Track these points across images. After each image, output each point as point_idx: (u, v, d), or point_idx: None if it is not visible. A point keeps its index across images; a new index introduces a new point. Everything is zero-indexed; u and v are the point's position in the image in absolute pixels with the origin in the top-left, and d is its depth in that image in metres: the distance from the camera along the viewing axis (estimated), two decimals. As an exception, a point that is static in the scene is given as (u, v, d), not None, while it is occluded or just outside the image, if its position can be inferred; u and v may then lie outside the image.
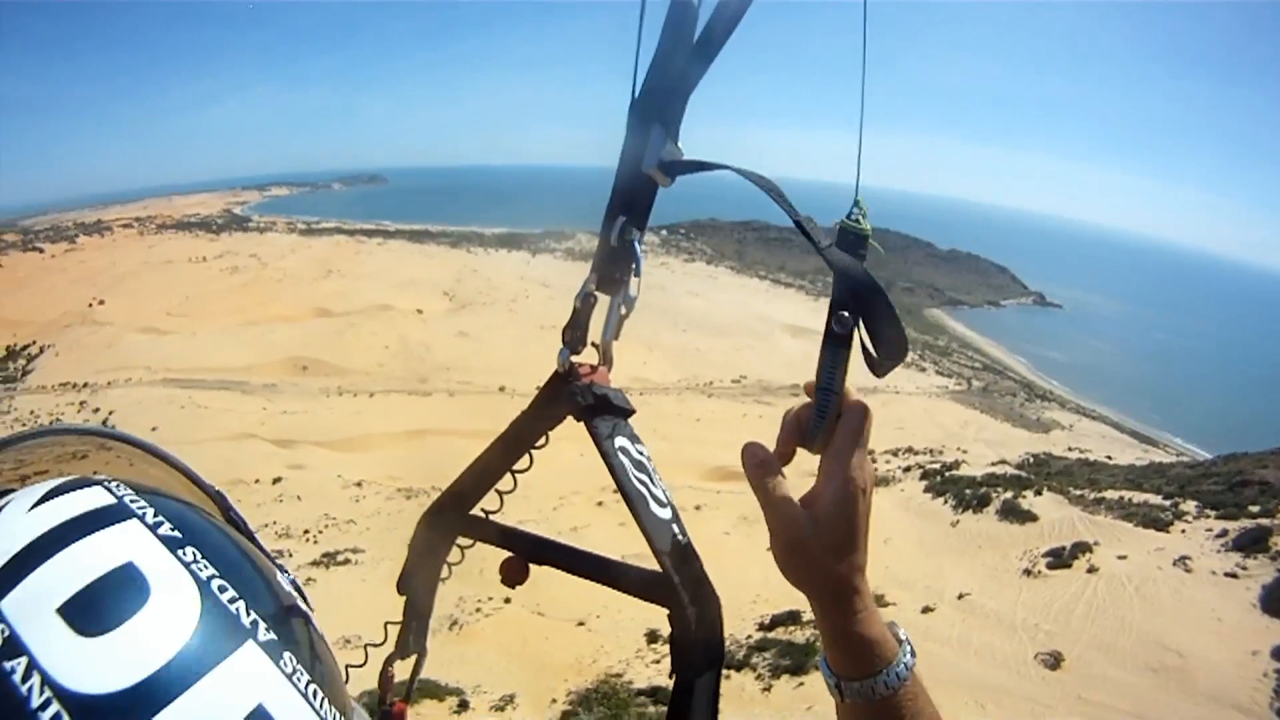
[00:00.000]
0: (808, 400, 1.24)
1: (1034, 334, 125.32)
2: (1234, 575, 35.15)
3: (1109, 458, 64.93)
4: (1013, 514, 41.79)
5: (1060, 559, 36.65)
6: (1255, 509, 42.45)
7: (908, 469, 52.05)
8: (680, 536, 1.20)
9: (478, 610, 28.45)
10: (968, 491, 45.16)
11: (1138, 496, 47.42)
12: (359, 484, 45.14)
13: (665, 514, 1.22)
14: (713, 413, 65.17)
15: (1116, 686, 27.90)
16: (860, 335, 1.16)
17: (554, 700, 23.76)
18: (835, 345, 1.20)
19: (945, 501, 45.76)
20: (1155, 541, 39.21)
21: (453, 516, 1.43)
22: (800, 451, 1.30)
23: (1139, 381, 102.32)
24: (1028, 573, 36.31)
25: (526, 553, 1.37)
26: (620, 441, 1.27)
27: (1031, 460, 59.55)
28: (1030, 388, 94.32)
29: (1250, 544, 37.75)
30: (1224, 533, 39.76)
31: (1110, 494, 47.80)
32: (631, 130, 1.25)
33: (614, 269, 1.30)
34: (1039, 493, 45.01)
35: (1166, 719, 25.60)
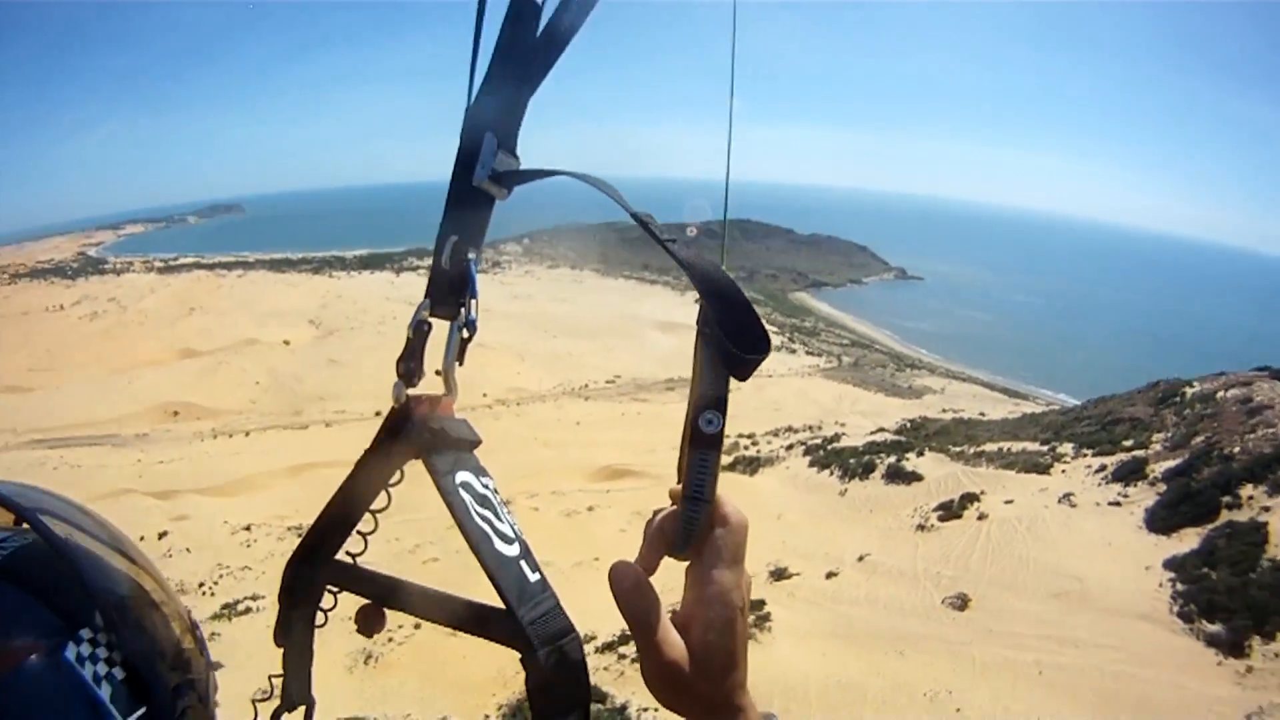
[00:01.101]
0: (671, 507, 1.25)
1: (898, 307, 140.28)
2: (1117, 504, 40.85)
3: (982, 414, 72.82)
4: (898, 476, 46.30)
5: (950, 511, 41.15)
6: (1129, 443, 49.23)
7: (790, 447, 56.11)
8: (530, 574, 1.25)
9: (390, 640, 29.46)
10: (852, 461, 49.27)
11: (1015, 446, 53.39)
12: (248, 528, 44.72)
13: (512, 550, 1.27)
14: (591, 414, 68.83)
15: (1024, 616, 31.85)
16: (716, 333, 1.19)
17: (487, 716, 25.22)
18: (703, 447, 1.24)
19: (831, 473, 49.64)
20: (1038, 484, 44.77)
21: (315, 563, 1.52)
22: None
23: (1003, 342, 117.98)
24: (921, 528, 40.68)
25: (382, 598, 1.44)
26: (462, 477, 1.34)
27: (909, 425, 64.96)
28: (899, 358, 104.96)
29: (1129, 474, 43.77)
30: (1103, 467, 45.77)
31: (989, 447, 53.49)
32: (462, 140, 1.33)
33: (449, 292, 1.38)
34: (920, 454, 50.08)
35: (1076, 637, 29.47)
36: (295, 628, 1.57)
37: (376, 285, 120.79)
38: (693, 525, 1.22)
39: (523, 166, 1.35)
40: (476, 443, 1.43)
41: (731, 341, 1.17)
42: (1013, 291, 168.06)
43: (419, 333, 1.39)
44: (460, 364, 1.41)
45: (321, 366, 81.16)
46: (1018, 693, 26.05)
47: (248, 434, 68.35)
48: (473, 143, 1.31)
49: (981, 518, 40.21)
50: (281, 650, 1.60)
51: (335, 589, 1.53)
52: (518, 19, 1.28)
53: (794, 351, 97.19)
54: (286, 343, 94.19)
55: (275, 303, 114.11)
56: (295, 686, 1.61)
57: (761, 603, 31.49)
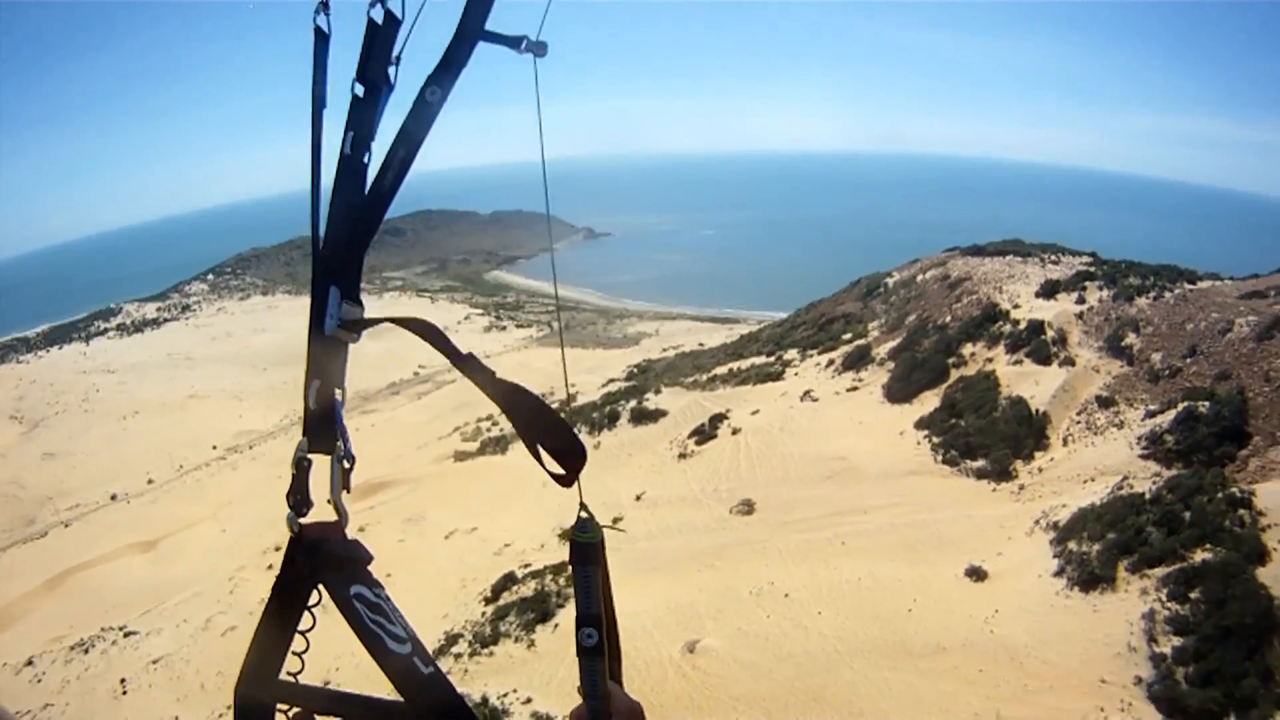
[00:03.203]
0: (578, 707, 1.60)
1: (594, 265, 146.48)
2: (855, 389, 44.76)
3: (701, 345, 77.58)
4: (644, 417, 48.03)
5: (705, 434, 43.32)
6: (848, 336, 54.07)
7: None
8: (423, 668, 1.44)
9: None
10: (595, 415, 50.40)
11: (744, 364, 57.28)
12: (29, 662, 37.52)
13: (404, 650, 1.46)
14: None
15: (808, 503, 34.09)
16: (541, 458, 1.56)
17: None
18: (590, 656, 1.59)
19: (579, 431, 50.05)
20: (777, 390, 48.25)
21: (260, 686, 1.65)
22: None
23: (701, 276, 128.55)
24: (683, 456, 42.45)
25: (326, 709, 1.62)
26: (355, 589, 1.54)
27: (637, 370, 67.62)
28: (606, 312, 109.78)
29: (857, 361, 47.96)
30: (831, 362, 49.91)
31: (719, 370, 56.87)
32: (314, 294, 1.54)
33: (321, 430, 1.58)
34: (658, 392, 52.27)
35: (862, 505, 31.93)
36: None
37: (68, 359, 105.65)
38: (597, 718, 1.59)
39: (365, 312, 1.61)
40: (368, 560, 1.62)
41: (553, 456, 1.57)
42: (698, 229, 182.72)
43: (300, 468, 1.58)
44: (348, 491, 1.63)
45: (38, 464, 70.47)
46: (831, 565, 27.95)
47: (-18, 561, 58.38)
48: (321, 295, 1.52)
49: (735, 432, 42.61)
50: None
51: (285, 707, 1.62)
52: (348, 173, 1.50)
53: (504, 329, 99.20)
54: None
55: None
56: None
57: (563, 566, 31.52)
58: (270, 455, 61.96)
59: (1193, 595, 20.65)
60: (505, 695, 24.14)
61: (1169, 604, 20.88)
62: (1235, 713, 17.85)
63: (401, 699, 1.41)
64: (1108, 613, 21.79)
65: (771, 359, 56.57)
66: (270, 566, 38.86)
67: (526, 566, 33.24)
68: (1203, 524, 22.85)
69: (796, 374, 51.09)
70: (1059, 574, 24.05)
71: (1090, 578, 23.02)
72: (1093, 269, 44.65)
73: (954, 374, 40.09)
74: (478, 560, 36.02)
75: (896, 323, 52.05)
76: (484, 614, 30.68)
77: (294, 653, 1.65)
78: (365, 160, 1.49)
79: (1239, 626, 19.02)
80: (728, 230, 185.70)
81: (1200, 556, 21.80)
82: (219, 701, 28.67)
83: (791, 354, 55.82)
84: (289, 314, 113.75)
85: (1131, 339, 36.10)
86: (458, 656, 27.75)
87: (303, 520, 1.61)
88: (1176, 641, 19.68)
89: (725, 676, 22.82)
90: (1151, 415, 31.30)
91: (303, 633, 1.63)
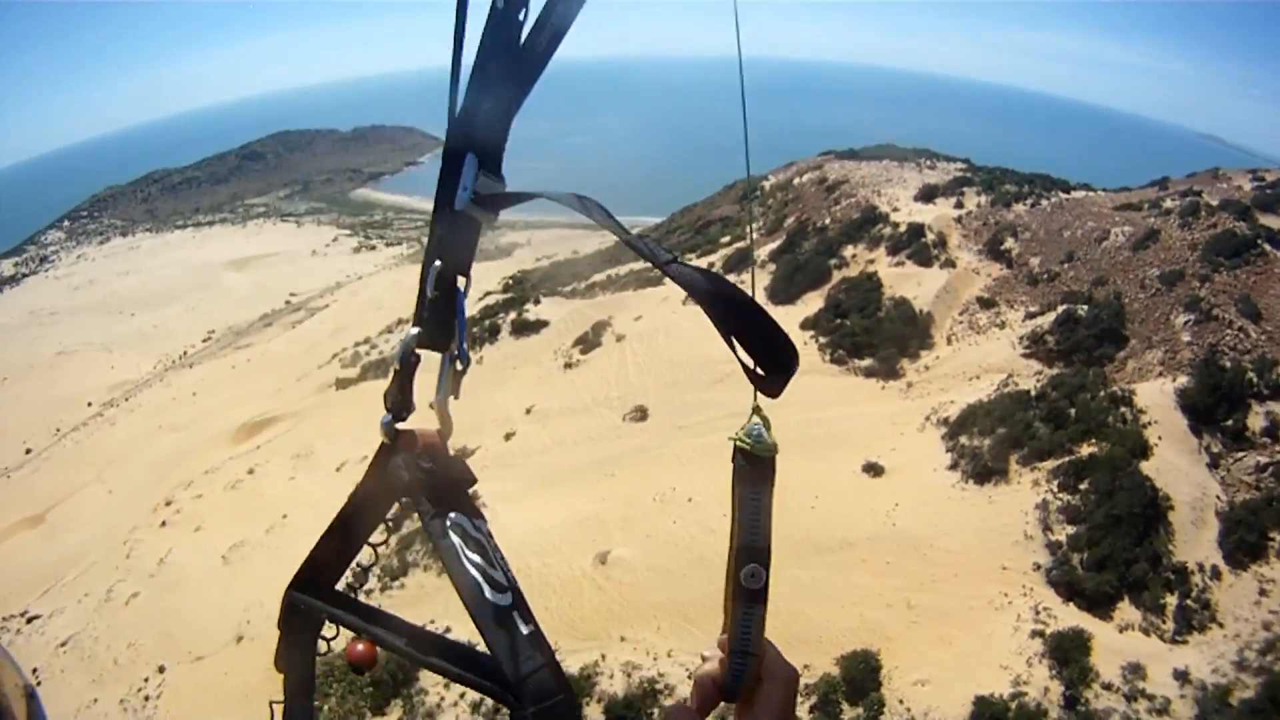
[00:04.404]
0: (718, 658, 1.34)
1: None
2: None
3: (576, 252, 76.60)
4: (525, 328, 47.41)
5: (589, 342, 43.12)
6: (726, 239, 54.31)
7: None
8: (523, 627, 1.25)
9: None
10: (475, 329, 49.10)
11: (621, 270, 57.03)
12: None
13: (504, 600, 1.26)
14: (204, 379, 62.51)
15: (699, 406, 34.49)
16: (737, 351, 1.25)
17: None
18: (749, 602, 1.30)
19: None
20: (658, 295, 48.29)
21: (314, 593, 1.57)
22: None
23: (572, 183, 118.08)
24: (569, 365, 42.15)
25: (374, 634, 1.47)
26: (454, 519, 1.34)
27: (512, 281, 66.50)
28: None
29: (737, 264, 48.30)
30: (711, 265, 49.94)
31: (597, 277, 56.63)
32: (444, 164, 1.36)
33: (437, 322, 1.39)
34: (536, 302, 51.48)
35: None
36: (295, 654, 1.63)
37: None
38: (739, 677, 1.29)
39: (506, 187, 1.39)
40: (471, 482, 1.42)
41: (758, 362, 1.25)
42: (569, 136, 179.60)
43: (407, 364, 1.39)
44: (455, 398, 1.43)
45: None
46: (729, 466, 28.24)
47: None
48: (454, 165, 1.34)
49: (620, 339, 42.59)
50: (283, 676, 1.65)
51: (332, 632, 1.57)
52: (499, 28, 1.30)
53: (374, 248, 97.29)
54: None
55: None
56: (297, 712, 1.66)
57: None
58: (149, 405, 58.65)
59: (1082, 486, 22.18)
60: (424, 628, 23.64)
61: (1060, 494, 22.32)
62: (1128, 595, 19.31)
63: (489, 653, 1.22)
64: (1003, 503, 23.07)
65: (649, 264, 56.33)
66: (164, 524, 37.42)
67: (421, 489, 32.65)
68: (1087, 420, 24.43)
69: (679, 277, 50.97)
70: (953, 467, 25.26)
71: (984, 470, 24.30)
72: (969, 175, 46.05)
73: (836, 275, 40.95)
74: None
75: (776, 225, 52.68)
76: (386, 543, 29.91)
77: (359, 564, 1.56)
78: (520, 17, 1.30)
79: (1128, 515, 20.61)
80: (599, 137, 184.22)
81: (1087, 450, 23.39)
82: (135, 675, 27.30)
83: (664, 258, 55.67)
84: (152, 253, 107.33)
85: (1010, 243, 37.70)
86: (369, 593, 26.41)
87: (399, 426, 1.40)
88: (1070, 530, 21.17)
89: (640, 585, 23.12)
90: (1032, 316, 32.96)
91: (374, 546, 1.53)
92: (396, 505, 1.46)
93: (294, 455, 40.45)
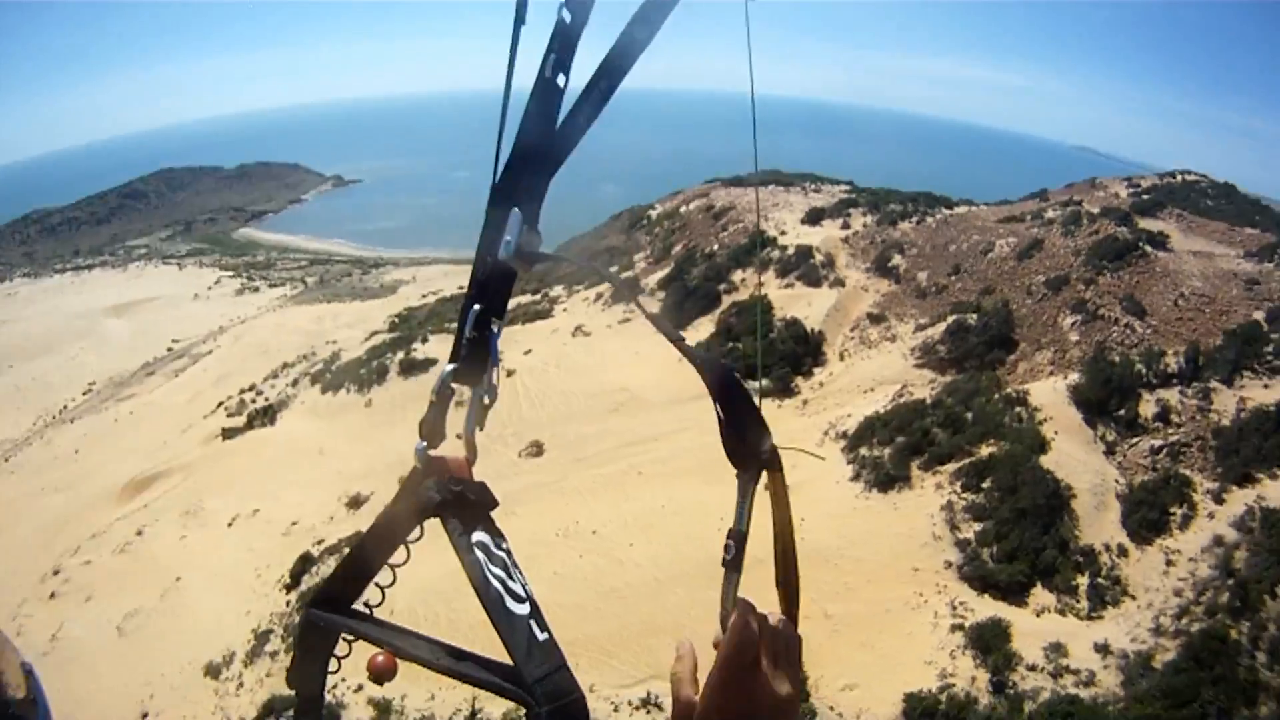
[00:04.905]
0: (688, 653, 1.51)
1: (344, 214, 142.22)
2: (627, 320, 44.88)
3: (461, 288, 74.34)
4: (414, 368, 46.23)
5: None
6: (614, 269, 53.95)
7: (295, 382, 53.37)
8: (539, 633, 1.33)
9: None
10: (362, 372, 48.56)
11: (509, 304, 56.10)
12: None
13: (522, 610, 1.36)
14: (85, 435, 57.77)
15: (597, 437, 34.00)
16: (720, 418, 1.47)
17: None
18: (726, 569, 1.51)
19: (348, 390, 48.23)
20: (548, 327, 48.15)
21: (333, 611, 1.61)
22: None
23: (456, 218, 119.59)
24: (459, 404, 40.40)
25: (395, 648, 1.49)
26: (477, 537, 1.41)
27: (398, 320, 65.15)
28: (361, 262, 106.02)
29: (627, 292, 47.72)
30: (599, 296, 50.02)
31: None
32: (490, 214, 1.43)
33: (472, 359, 1.46)
34: (424, 340, 50.24)
35: (654, 433, 32.07)
36: (307, 671, 1.69)
37: None
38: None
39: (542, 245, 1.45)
40: (494, 505, 1.50)
41: (738, 438, 1.49)
42: (451, 170, 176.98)
43: (442, 397, 1.49)
44: (481, 429, 1.52)
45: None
46: (632, 496, 28.06)
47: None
48: (497, 220, 1.42)
49: (510, 374, 41.98)
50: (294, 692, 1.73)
51: (350, 638, 1.61)
52: (545, 99, 1.40)
53: (257, 289, 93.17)
54: None
55: None
56: None
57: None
58: (29, 465, 53.87)
59: (985, 485, 22.49)
60: (334, 686, 22.20)
61: (965, 495, 22.56)
62: (1041, 581, 19.61)
63: (509, 661, 1.30)
64: (908, 509, 23.16)
65: (538, 296, 56.39)
66: (53, 595, 34.66)
67: (320, 543, 30.96)
68: (985, 422, 24.87)
69: (565, 309, 51.04)
70: (856, 479, 25.32)
71: (886, 479, 24.44)
72: (854, 196, 47.06)
73: (726, 300, 41.16)
74: (267, 545, 33.18)
75: (663, 253, 52.92)
76: (288, 603, 28.38)
77: (377, 584, 1.59)
78: (562, 85, 1.40)
79: (1032, 507, 21.00)
80: (482, 169, 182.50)
81: (987, 451, 23.80)
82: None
83: (558, 289, 55.67)
84: (29, 300, 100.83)
85: (898, 260, 38.61)
86: (274, 655, 25.61)
87: (431, 453, 1.50)
88: (977, 527, 21.40)
89: (554, 623, 21.87)
90: (922, 328, 33.63)
91: (394, 567, 1.57)
92: (417, 531, 1.50)
93: (183, 512, 38.02)
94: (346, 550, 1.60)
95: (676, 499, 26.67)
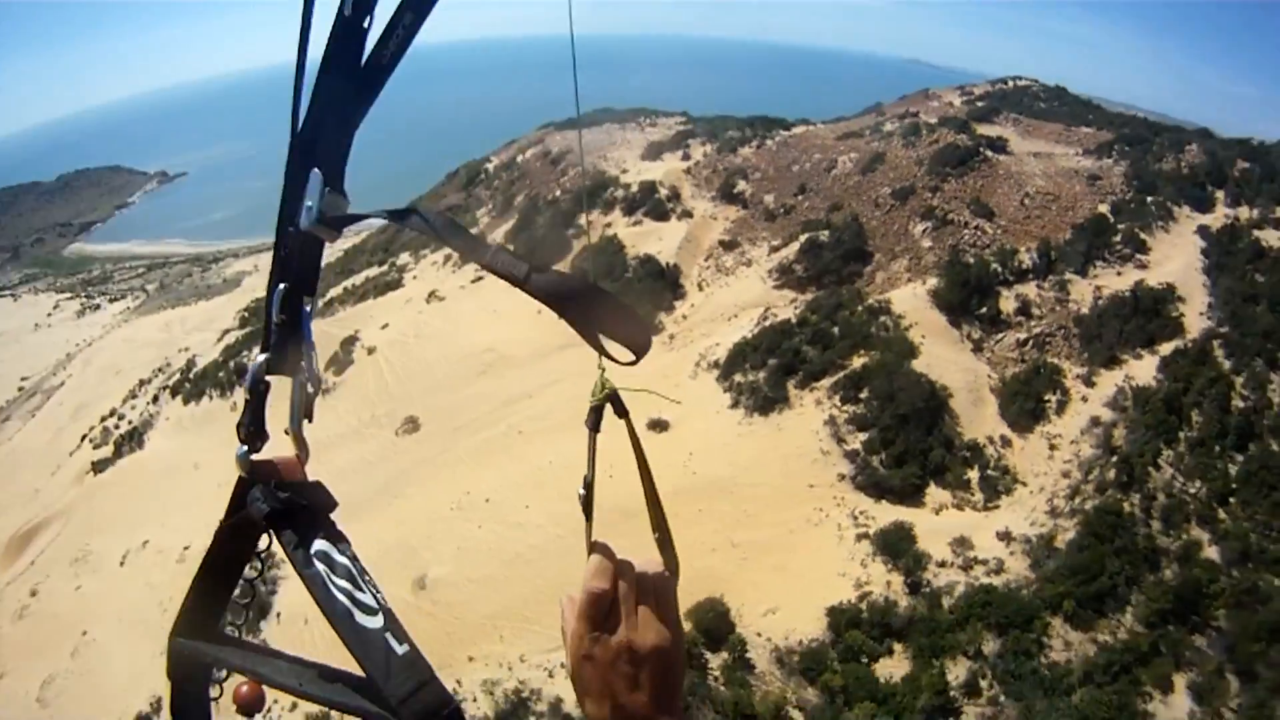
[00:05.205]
0: (577, 595, 1.49)
1: (175, 211, 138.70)
2: (480, 279, 44.23)
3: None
4: None
5: (341, 361, 41.91)
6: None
7: (155, 399, 51.63)
8: (398, 646, 1.22)
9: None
10: (221, 375, 48.52)
11: (357, 280, 55.38)
12: None
13: (375, 623, 1.23)
14: None
15: (468, 401, 33.67)
16: (599, 340, 1.31)
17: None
18: (584, 507, 1.54)
19: (210, 397, 47.23)
20: (401, 298, 48.43)
21: (196, 638, 1.49)
22: None
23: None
24: (325, 392, 39.77)
25: (259, 674, 1.38)
26: (317, 547, 1.29)
27: (249, 314, 63.60)
28: (199, 259, 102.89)
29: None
30: (449, 258, 48.80)
31: (334, 292, 54.45)
32: (289, 179, 1.31)
33: (286, 346, 1.34)
34: None
35: (528, 389, 31.79)
36: (187, 703, 1.55)
37: None
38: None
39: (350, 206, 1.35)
40: (332, 507, 1.39)
41: (618, 341, 1.31)
42: (277, 148, 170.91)
43: (256, 392, 1.37)
44: (310, 421, 1.42)
45: None
46: (517, 457, 28.00)
47: None
48: (298, 182, 1.31)
49: (371, 351, 41.46)
50: None
51: (221, 674, 1.53)
52: (345, 40, 1.26)
53: (98, 307, 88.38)
54: None
55: None
56: None
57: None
58: None
59: (863, 395, 23.21)
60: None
61: (845, 407, 23.30)
62: (933, 480, 20.55)
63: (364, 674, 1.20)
64: (792, 428, 23.75)
65: (385, 267, 55.30)
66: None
67: (218, 566, 29.57)
68: (852, 334, 25.61)
69: (415, 277, 50.19)
70: (735, 406, 25.80)
71: (765, 402, 24.98)
72: (690, 127, 47.20)
73: (576, 245, 40.94)
74: (164, 577, 31.85)
75: (505, 205, 52.24)
76: (263, 578, 26.92)
77: (237, 601, 1.50)
78: (366, 25, 1.25)
79: (912, 411, 21.86)
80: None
81: (859, 362, 24.52)
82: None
83: (404, 258, 54.58)
84: None
85: (743, 185, 39.09)
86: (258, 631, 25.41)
87: (255, 457, 1.38)
88: (863, 436, 22.17)
89: (467, 600, 22.57)
90: (776, 250, 34.25)
91: (249, 581, 1.49)
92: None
93: (72, 560, 36.40)
94: (191, 580, 1.42)
95: (562, 453, 26.63)
